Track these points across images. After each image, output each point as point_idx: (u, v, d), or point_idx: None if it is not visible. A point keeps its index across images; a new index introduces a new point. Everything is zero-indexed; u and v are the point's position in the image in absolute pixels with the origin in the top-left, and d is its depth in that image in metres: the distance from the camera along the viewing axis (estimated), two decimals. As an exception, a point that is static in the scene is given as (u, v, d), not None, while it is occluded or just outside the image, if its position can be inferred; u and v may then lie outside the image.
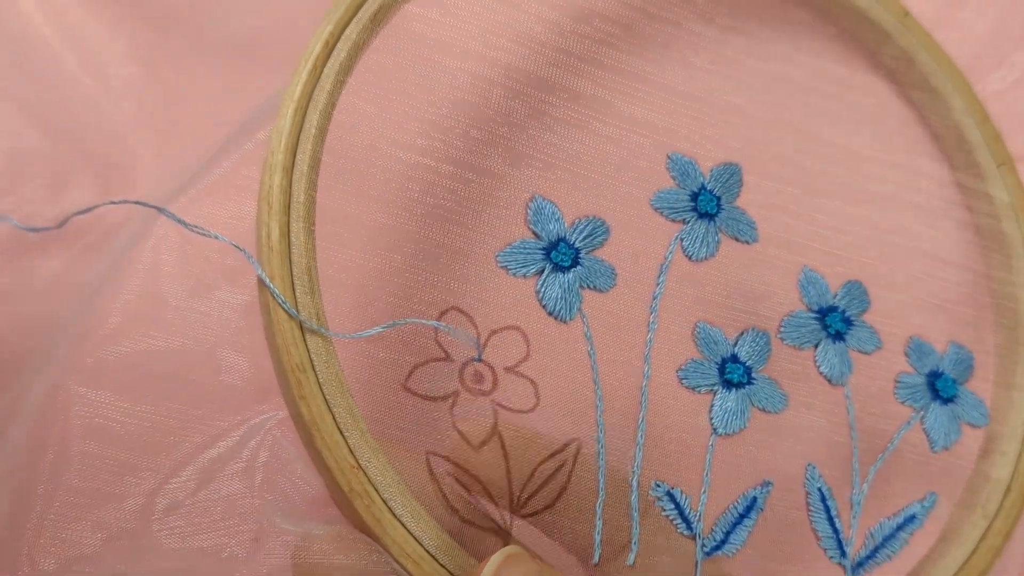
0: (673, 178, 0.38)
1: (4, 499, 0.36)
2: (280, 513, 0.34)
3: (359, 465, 0.32)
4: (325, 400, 0.32)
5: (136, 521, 0.37)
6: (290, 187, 0.34)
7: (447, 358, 0.34)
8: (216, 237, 0.32)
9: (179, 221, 0.32)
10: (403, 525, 0.32)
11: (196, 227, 0.33)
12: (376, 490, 0.32)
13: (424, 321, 0.33)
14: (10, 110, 0.43)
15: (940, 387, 0.39)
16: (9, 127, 0.43)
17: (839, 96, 0.42)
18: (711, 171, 0.39)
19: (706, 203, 0.38)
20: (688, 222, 0.38)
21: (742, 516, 0.35)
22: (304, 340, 0.32)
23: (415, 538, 0.32)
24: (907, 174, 0.42)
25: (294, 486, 0.34)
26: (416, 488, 0.32)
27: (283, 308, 0.32)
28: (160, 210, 0.33)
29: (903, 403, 0.39)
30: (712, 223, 0.38)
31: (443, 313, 0.34)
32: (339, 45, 0.35)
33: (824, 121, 0.41)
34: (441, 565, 0.32)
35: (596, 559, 0.33)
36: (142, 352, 0.38)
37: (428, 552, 0.32)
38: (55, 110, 0.44)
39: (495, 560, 0.30)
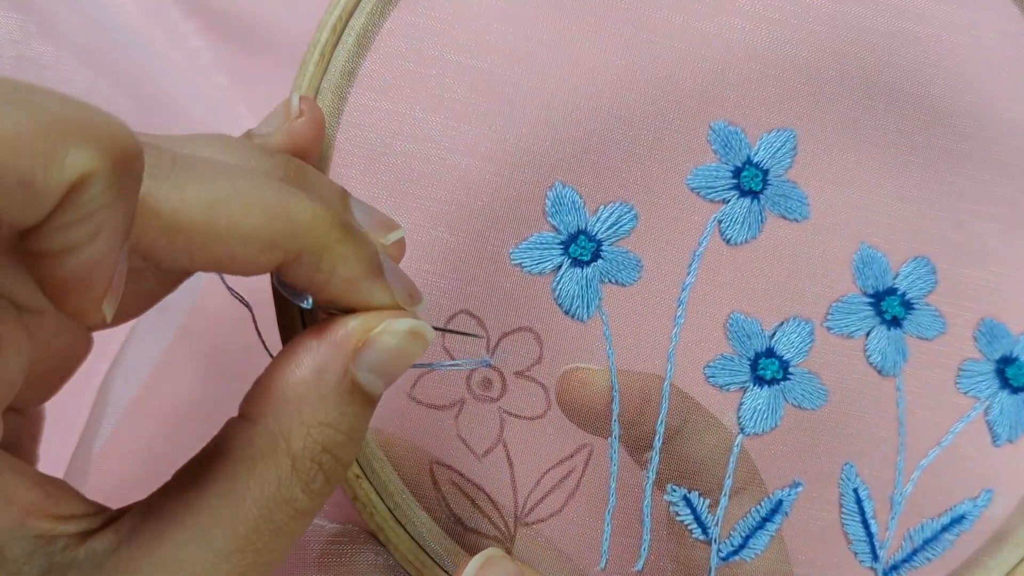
0: (714, 151, 0.35)
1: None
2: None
3: (364, 474, 0.33)
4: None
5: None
6: (297, 190, 0.33)
7: (454, 366, 0.34)
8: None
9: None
10: (407, 532, 0.33)
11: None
12: (381, 498, 0.33)
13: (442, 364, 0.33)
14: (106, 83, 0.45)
15: (1011, 375, 0.36)
16: (105, 96, 0.45)
17: (931, 38, 0.37)
18: (760, 140, 0.35)
19: (750, 179, 0.35)
20: (728, 202, 0.35)
21: (765, 520, 0.34)
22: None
23: (419, 544, 0.33)
24: (992, 127, 0.37)
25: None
26: (421, 496, 0.33)
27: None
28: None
29: (965, 393, 0.36)
30: (756, 201, 0.35)
31: (452, 317, 0.34)
32: (346, 32, 0.34)
33: (902, 72, 0.37)
34: (445, 571, 0.33)
35: (602, 565, 0.34)
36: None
37: (432, 558, 0.33)
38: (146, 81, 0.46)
39: (475, 563, 0.31)
